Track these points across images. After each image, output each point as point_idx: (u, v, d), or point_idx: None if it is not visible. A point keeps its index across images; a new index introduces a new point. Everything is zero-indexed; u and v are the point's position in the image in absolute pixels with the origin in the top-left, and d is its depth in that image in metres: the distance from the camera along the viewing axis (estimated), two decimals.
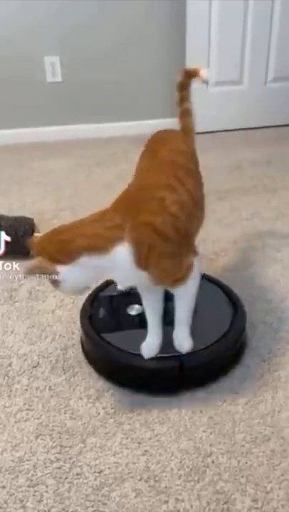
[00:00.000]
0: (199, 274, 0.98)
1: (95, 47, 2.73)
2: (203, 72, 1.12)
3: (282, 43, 2.79)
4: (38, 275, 0.92)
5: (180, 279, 0.95)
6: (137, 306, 1.15)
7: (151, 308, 1.04)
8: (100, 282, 1.23)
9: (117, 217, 0.88)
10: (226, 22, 2.68)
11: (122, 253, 0.86)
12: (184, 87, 1.15)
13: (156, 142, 1.05)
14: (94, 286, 1.21)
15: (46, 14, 2.61)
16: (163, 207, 0.90)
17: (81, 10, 2.63)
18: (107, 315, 1.16)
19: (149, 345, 1.03)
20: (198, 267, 0.97)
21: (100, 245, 0.86)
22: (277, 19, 2.73)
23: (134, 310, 1.15)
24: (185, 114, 1.15)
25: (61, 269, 0.86)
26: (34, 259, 0.87)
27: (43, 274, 0.89)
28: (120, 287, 1.18)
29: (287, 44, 2.81)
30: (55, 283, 0.89)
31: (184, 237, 0.94)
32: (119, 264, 0.87)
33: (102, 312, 1.16)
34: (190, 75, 1.13)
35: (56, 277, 0.87)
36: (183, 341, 1.03)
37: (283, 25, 2.75)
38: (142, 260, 0.87)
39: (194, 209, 0.97)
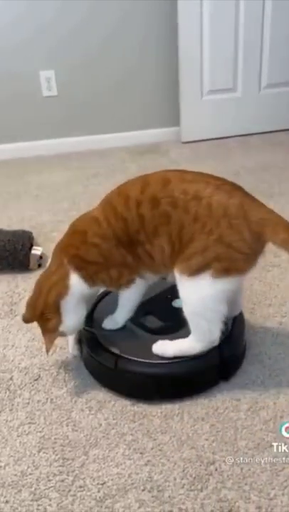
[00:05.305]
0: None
1: (89, 60, 2.76)
2: None
3: (274, 50, 2.81)
4: (56, 340, 1.11)
5: (122, 285, 1.08)
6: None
7: (127, 298, 1.12)
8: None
9: (58, 258, 1.08)
10: (218, 31, 2.71)
11: (75, 280, 1.05)
12: None
13: (127, 181, 1.07)
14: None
15: (40, 29, 2.64)
16: (84, 239, 1.05)
17: (74, 23, 2.66)
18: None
19: (114, 321, 1.14)
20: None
21: (62, 287, 1.05)
22: (269, 26, 2.75)
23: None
24: None
25: (58, 323, 1.05)
26: (44, 339, 1.08)
27: (56, 338, 1.09)
28: None
29: (280, 50, 2.83)
30: (63, 334, 1.10)
31: (113, 260, 1.04)
32: (78, 288, 1.05)
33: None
34: None
35: (62, 331, 1.07)
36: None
37: (274, 31, 2.77)
38: (87, 280, 1.06)
39: (121, 245, 1.03)
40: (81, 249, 1.05)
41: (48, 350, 1.08)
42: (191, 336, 1.04)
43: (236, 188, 0.99)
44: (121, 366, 1.04)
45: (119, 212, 1.01)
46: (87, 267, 1.06)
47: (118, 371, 1.04)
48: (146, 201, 0.98)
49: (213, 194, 0.94)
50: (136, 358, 1.04)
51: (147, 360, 1.04)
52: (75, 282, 1.05)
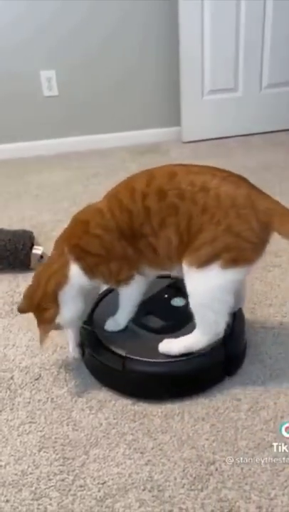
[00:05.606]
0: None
1: (90, 60, 2.76)
2: None
3: (275, 50, 2.81)
4: (50, 333, 1.08)
5: (122, 282, 1.08)
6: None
7: (128, 298, 1.12)
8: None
9: (59, 248, 1.08)
10: (219, 30, 2.71)
11: (75, 271, 1.05)
12: None
13: (133, 175, 1.07)
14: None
15: (40, 29, 2.64)
16: (86, 229, 1.05)
17: (75, 23, 2.66)
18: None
19: (116, 323, 1.13)
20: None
21: (61, 276, 1.05)
22: (270, 26, 2.75)
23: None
24: None
25: (55, 314, 1.05)
26: (39, 330, 1.07)
27: (51, 330, 1.07)
28: None
29: (280, 50, 2.83)
30: (60, 326, 1.08)
31: (114, 252, 1.04)
32: (78, 280, 1.05)
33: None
34: None
35: (58, 323, 1.06)
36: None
37: (275, 31, 2.77)
38: (87, 271, 1.05)
39: (124, 238, 1.02)
40: (83, 239, 1.05)
41: (41, 342, 1.07)
42: (196, 331, 1.04)
43: (242, 179, 1.00)
44: (129, 367, 1.03)
45: (125, 205, 1.01)
46: (87, 258, 1.05)
47: (126, 372, 1.03)
48: (153, 193, 0.98)
49: (220, 185, 0.95)
50: (144, 359, 1.04)
51: (155, 360, 1.04)
52: (75, 273, 1.05)
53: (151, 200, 0.98)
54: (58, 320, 1.06)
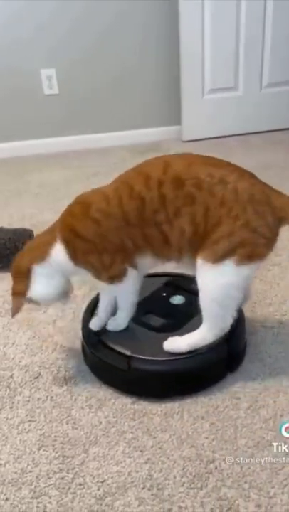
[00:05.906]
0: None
1: (90, 58, 2.75)
2: None
3: (275, 49, 2.82)
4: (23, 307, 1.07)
5: (115, 278, 1.05)
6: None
7: (124, 296, 1.11)
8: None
9: (55, 223, 1.05)
10: (219, 29, 2.71)
11: (58, 251, 1.02)
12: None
13: (145, 162, 1.05)
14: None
15: (41, 27, 2.64)
16: (86, 211, 1.01)
17: (75, 22, 2.66)
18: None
19: (116, 323, 1.13)
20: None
21: (39, 252, 1.04)
22: (270, 25, 2.76)
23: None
24: None
25: (24, 288, 1.03)
26: (12, 300, 1.05)
27: (22, 303, 1.06)
28: None
29: (281, 49, 2.83)
30: (33, 302, 1.07)
31: (109, 242, 1.01)
32: (59, 261, 1.03)
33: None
34: None
35: (30, 297, 1.05)
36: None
37: (276, 30, 2.77)
38: (72, 256, 1.02)
39: (128, 227, 0.99)
40: (79, 220, 1.01)
41: (12, 314, 1.05)
42: (202, 327, 1.03)
43: (254, 176, 1.01)
44: (134, 366, 1.03)
45: (137, 192, 0.98)
46: (78, 242, 1.02)
47: (131, 372, 1.03)
48: (169, 182, 0.96)
49: (237, 180, 0.95)
50: (149, 357, 1.03)
51: (160, 358, 1.03)
52: (58, 254, 1.03)
53: (168, 188, 0.96)
54: (29, 294, 1.04)
